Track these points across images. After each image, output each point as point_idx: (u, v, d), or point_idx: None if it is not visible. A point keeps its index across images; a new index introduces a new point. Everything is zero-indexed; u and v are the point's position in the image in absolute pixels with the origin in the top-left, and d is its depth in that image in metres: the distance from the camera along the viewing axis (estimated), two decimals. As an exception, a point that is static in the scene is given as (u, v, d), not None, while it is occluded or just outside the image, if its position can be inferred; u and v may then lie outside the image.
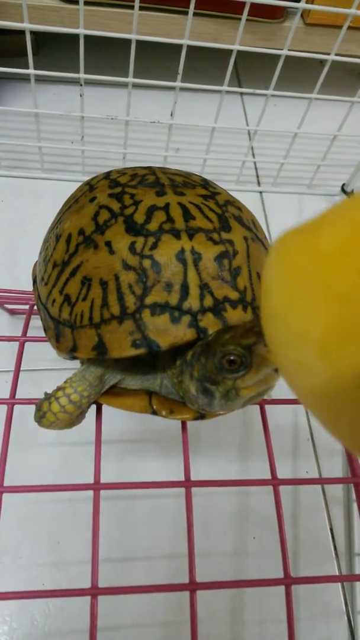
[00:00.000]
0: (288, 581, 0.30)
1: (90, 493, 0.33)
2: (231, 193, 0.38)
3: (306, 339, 0.16)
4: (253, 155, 0.88)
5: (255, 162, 0.87)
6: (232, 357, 0.26)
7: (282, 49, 0.63)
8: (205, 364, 0.28)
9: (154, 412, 0.34)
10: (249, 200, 0.84)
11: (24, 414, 0.36)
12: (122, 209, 0.32)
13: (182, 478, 0.34)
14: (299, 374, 0.17)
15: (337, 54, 0.65)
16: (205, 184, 0.37)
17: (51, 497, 0.48)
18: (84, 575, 0.30)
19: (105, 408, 0.38)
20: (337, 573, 0.54)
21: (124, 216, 0.32)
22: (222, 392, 0.28)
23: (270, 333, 0.19)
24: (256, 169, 0.87)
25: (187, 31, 0.59)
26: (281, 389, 0.25)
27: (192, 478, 0.34)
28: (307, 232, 0.16)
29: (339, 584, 0.53)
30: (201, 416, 0.33)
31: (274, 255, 0.18)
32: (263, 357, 0.26)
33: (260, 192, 0.84)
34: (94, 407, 0.38)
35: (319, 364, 0.15)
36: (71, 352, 0.32)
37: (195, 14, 0.58)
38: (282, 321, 0.17)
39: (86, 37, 0.59)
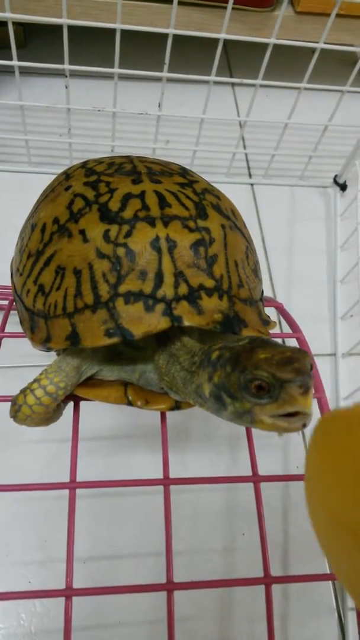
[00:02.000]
0: (268, 580, 0.30)
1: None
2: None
3: (347, 529, 0.17)
4: (244, 146, 0.86)
5: (246, 154, 0.86)
6: (260, 383, 0.24)
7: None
8: (229, 374, 0.25)
9: (129, 403, 0.33)
10: (240, 192, 0.83)
11: (7, 411, 0.35)
12: (96, 197, 0.31)
13: (172, 475, 0.33)
14: (339, 554, 0.19)
15: (329, 43, 0.63)
16: (184, 172, 0.36)
17: (38, 495, 0.47)
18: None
19: (86, 404, 0.37)
20: (327, 569, 0.53)
21: (99, 204, 0.31)
22: (237, 410, 0.25)
23: (312, 510, 0.20)
24: (247, 160, 0.86)
25: (172, 20, 0.58)
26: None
27: (182, 473, 0.34)
28: (346, 422, 0.19)
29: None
30: (177, 406, 0.33)
31: (318, 436, 0.20)
32: (292, 397, 0.23)
33: (252, 184, 0.83)
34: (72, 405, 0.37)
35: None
36: (45, 343, 0.31)
37: (182, 3, 0.57)
38: (322, 504, 0.19)
39: (76, 28, 0.58)
